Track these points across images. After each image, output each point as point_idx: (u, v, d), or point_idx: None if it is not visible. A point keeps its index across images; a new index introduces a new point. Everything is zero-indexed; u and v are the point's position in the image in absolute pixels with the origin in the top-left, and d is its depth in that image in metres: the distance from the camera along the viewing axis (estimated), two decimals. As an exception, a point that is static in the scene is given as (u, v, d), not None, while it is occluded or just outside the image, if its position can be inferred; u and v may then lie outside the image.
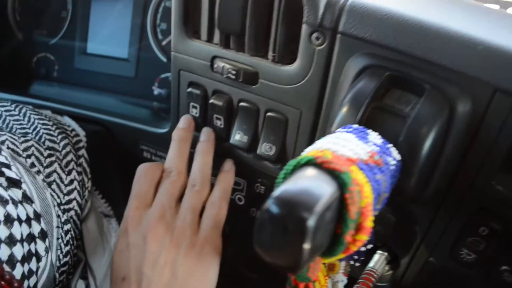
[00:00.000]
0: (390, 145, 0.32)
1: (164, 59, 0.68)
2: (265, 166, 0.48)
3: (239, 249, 0.56)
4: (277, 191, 0.24)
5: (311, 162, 0.26)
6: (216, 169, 0.52)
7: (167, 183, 0.46)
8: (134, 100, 0.70)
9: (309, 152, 0.29)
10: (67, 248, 0.46)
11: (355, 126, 0.33)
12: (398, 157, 0.32)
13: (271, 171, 0.48)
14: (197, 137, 0.51)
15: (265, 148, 0.46)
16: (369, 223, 0.26)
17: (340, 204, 0.25)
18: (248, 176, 0.50)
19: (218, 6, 0.42)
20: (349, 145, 0.29)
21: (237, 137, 0.47)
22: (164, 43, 0.68)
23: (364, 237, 0.27)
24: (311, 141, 0.44)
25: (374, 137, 0.31)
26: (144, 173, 0.47)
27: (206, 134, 0.50)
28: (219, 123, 0.48)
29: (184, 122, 0.50)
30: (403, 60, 0.35)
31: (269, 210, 0.24)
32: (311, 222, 0.23)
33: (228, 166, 0.50)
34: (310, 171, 0.25)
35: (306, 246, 0.23)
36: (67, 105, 0.61)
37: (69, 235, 0.47)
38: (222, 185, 0.48)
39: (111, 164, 0.60)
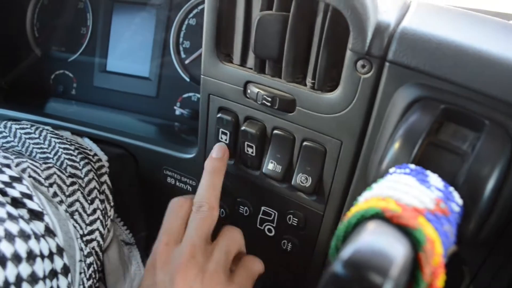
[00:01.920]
0: (451, 189, 0.29)
1: (187, 79, 0.66)
2: (298, 197, 0.45)
3: (265, 281, 0.53)
4: (346, 253, 0.21)
5: (378, 216, 0.23)
6: (247, 197, 0.49)
7: (198, 218, 0.44)
8: (155, 120, 0.68)
9: (369, 199, 0.26)
10: (90, 282, 0.43)
11: (412, 166, 0.30)
12: (461, 202, 0.29)
13: (306, 202, 0.45)
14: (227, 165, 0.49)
15: (301, 179, 0.43)
16: (440, 282, 0.24)
17: (413, 264, 0.22)
18: (279, 206, 0.47)
19: (254, 30, 0.40)
20: (412, 192, 0.26)
21: (270, 166, 0.45)
22: (187, 61, 0.66)
23: (433, 297, 0.24)
24: (351, 173, 0.41)
25: (435, 179, 0.29)
26: (176, 208, 0.45)
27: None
28: (251, 151, 0.46)
29: (218, 151, 0.47)
30: (460, 92, 0.33)
31: (337, 274, 0.21)
32: (387, 289, 0.20)
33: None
34: (379, 227, 0.23)
35: (380, 316, 0.20)
36: (87, 126, 0.59)
37: (91, 269, 0.44)
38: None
39: (132, 189, 0.57)
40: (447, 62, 0.33)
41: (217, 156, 0.47)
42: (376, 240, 0.22)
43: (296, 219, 0.46)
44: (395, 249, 0.21)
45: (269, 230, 0.49)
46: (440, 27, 0.35)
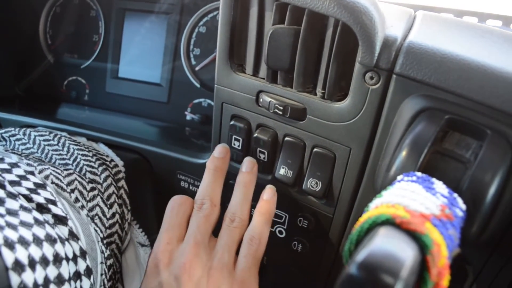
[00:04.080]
0: (456, 195, 0.31)
1: (197, 85, 0.68)
2: (309, 200, 0.47)
3: (276, 280, 0.56)
4: (360, 256, 0.23)
5: (389, 222, 0.26)
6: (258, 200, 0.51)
7: (200, 216, 0.44)
8: (166, 125, 0.70)
9: (379, 205, 0.28)
10: (110, 283, 0.45)
11: (419, 174, 0.32)
12: (464, 207, 0.31)
13: (316, 205, 0.47)
14: (236, 169, 0.51)
15: (311, 183, 0.45)
16: (446, 282, 0.26)
17: (421, 266, 0.25)
18: (290, 209, 0.49)
19: (267, 42, 0.42)
20: (419, 198, 0.28)
21: (282, 171, 0.47)
22: (197, 68, 0.68)
23: (440, 296, 0.26)
24: (359, 178, 0.43)
25: (440, 186, 0.31)
26: (177, 206, 0.45)
27: (249, 165, 0.48)
28: (263, 157, 0.48)
29: (220, 151, 0.48)
30: (464, 103, 0.35)
31: (352, 275, 0.23)
32: (398, 289, 0.22)
33: (269, 195, 0.47)
34: (390, 232, 0.25)
35: (392, 314, 0.22)
36: (102, 132, 0.61)
37: (111, 270, 0.46)
38: (262, 218, 0.45)
39: (146, 192, 0.59)
40: (452, 75, 0.35)
41: (219, 156, 0.48)
42: (387, 244, 0.24)
43: (306, 222, 0.48)
44: (405, 252, 0.24)
45: (280, 232, 0.51)
46: (445, 41, 0.37)
